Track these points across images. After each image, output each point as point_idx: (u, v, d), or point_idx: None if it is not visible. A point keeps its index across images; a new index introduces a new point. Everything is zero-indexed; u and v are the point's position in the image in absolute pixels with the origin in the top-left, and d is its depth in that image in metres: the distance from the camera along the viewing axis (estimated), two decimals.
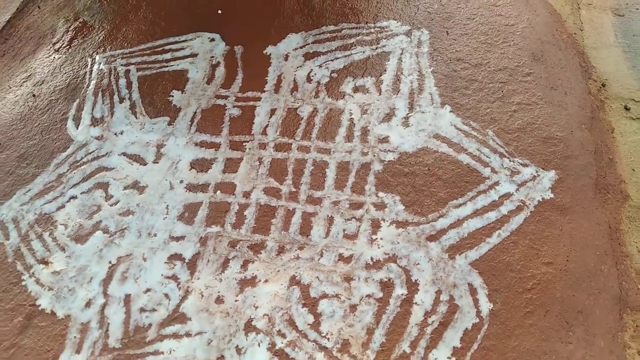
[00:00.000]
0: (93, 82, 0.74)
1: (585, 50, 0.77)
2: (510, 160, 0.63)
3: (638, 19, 0.81)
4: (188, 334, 0.53)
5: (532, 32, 0.77)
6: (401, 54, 0.74)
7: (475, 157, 0.64)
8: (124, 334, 0.53)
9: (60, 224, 0.61)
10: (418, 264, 0.56)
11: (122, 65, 0.76)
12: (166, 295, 0.55)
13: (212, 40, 0.79)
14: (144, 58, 0.76)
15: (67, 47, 0.79)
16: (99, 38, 0.79)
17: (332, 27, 0.79)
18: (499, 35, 0.76)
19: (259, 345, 0.52)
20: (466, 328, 0.52)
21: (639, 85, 0.73)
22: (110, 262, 0.57)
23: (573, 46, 0.77)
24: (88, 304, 0.55)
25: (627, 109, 0.71)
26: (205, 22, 0.81)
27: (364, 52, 0.75)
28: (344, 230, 0.59)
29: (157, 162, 0.65)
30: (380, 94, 0.70)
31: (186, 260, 0.57)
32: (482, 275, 0.55)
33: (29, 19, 0.83)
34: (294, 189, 0.62)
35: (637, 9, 0.82)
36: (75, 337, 0.53)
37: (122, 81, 0.74)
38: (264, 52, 0.78)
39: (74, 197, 0.63)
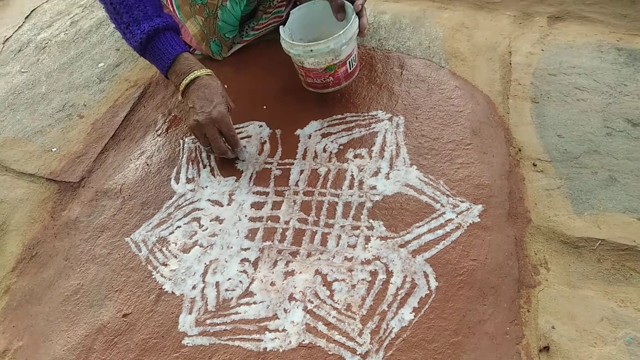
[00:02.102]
0: (185, 155, 1.13)
1: (509, 127, 1.14)
2: (453, 199, 0.99)
3: (547, 105, 1.18)
4: (255, 303, 0.87)
5: (474, 116, 1.15)
6: (385, 132, 1.12)
7: (431, 197, 1.00)
8: (216, 303, 0.89)
9: (172, 242, 0.98)
10: (393, 261, 0.91)
11: None
12: (240, 281, 0.91)
13: (261, 126, 1.18)
14: None
15: (165, 132, 1.19)
16: (186, 127, 1.20)
17: (339, 116, 1.17)
18: (450, 118, 1.14)
19: (297, 307, 0.87)
20: (421, 296, 0.86)
21: (543, 150, 1.09)
22: (205, 264, 0.93)
23: (501, 124, 1.15)
24: (194, 287, 0.91)
25: (534, 165, 1.07)
26: (255, 114, 1.20)
27: (360, 132, 1.13)
28: (347, 242, 0.94)
29: (230, 205, 1.02)
30: (371, 159, 1.07)
31: (251, 262, 0.93)
32: (433, 267, 0.89)
33: (138, 114, 1.24)
34: (316, 219, 0.98)
35: (548, 98, 1.20)
36: (187, 305, 0.88)
37: (204, 154, 1.13)
38: (295, 133, 1.15)
39: (179, 227, 1.00)
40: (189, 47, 1.28)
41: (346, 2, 1.11)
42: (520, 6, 1.42)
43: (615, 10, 1.39)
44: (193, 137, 1.15)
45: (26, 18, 1.51)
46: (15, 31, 1.48)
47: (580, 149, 1.09)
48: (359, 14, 1.10)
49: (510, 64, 1.27)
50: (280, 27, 1.11)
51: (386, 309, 0.85)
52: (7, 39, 1.45)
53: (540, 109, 1.17)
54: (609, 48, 1.31)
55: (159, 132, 1.18)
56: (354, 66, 1.15)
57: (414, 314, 0.84)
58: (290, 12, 1.16)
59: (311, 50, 1.04)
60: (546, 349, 0.83)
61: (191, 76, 1.00)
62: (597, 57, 1.28)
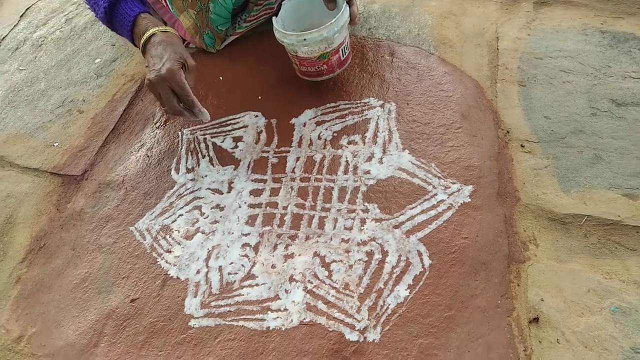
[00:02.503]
0: (184, 146, 1.16)
1: (497, 110, 1.18)
2: (444, 181, 1.03)
3: (534, 88, 1.22)
4: (257, 285, 0.91)
5: (463, 100, 1.18)
6: (377, 119, 1.16)
7: (423, 180, 1.03)
8: (220, 286, 0.92)
9: (175, 230, 1.01)
10: (388, 241, 0.95)
11: (200, 135, 1.18)
12: (242, 265, 0.94)
13: (257, 116, 1.21)
14: (215, 130, 1.19)
15: (164, 125, 1.22)
16: (184, 119, 1.23)
17: (333, 104, 1.20)
18: (441, 103, 1.18)
19: (297, 288, 0.91)
20: (415, 274, 0.90)
21: (530, 131, 1.13)
22: (208, 249, 0.97)
23: (490, 108, 1.18)
24: (198, 272, 0.94)
25: (522, 146, 1.11)
26: (251, 105, 1.23)
27: (353, 119, 1.16)
28: (344, 225, 0.98)
29: (230, 192, 1.06)
30: (364, 145, 1.11)
31: (252, 246, 0.97)
32: (426, 246, 0.93)
33: (136, 108, 1.26)
34: (313, 203, 1.02)
35: (535, 81, 1.24)
36: (192, 289, 0.92)
37: (202, 145, 1.16)
38: (290, 122, 1.18)
39: (181, 215, 1.04)
40: (183, 42, 1.31)
41: None
42: None
43: None
44: (192, 128, 1.18)
45: (21, 17, 1.53)
46: (11, 30, 1.50)
47: (566, 129, 1.13)
48: (350, 2, 1.13)
49: (498, 49, 1.30)
50: (273, 18, 1.14)
51: (382, 286, 0.89)
52: (4, 37, 1.47)
53: (527, 91, 1.21)
54: (594, 31, 1.34)
55: (158, 124, 1.21)
56: (346, 54, 1.18)
57: (409, 290, 0.88)
58: (282, 3, 1.18)
59: (304, 39, 1.07)
60: (535, 320, 0.87)
61: (146, 35, 0.97)
62: (582, 40, 1.32)
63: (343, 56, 1.16)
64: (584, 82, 1.22)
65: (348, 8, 1.11)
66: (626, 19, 1.37)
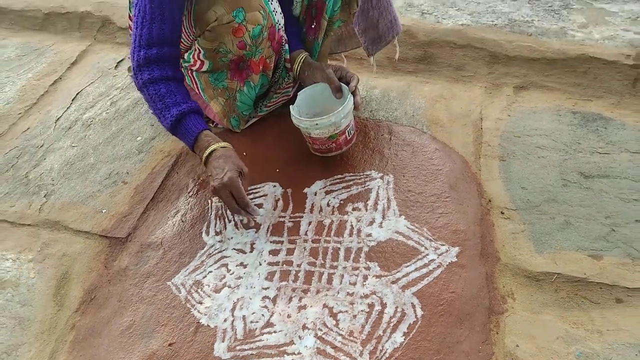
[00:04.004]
0: (213, 212, 1.35)
1: (481, 182, 1.36)
2: (435, 243, 1.20)
3: (513, 162, 1.41)
4: (275, 332, 1.07)
5: (451, 173, 1.37)
6: (378, 188, 1.34)
7: (417, 242, 1.21)
8: (244, 333, 1.09)
9: (206, 285, 1.18)
10: (386, 295, 1.11)
11: None
12: (262, 315, 1.11)
13: (275, 186, 1.40)
14: None
15: (196, 194, 1.42)
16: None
17: (340, 176, 1.39)
18: (432, 175, 1.37)
19: (309, 335, 1.06)
20: (410, 323, 1.05)
21: (509, 200, 1.30)
22: (233, 301, 1.14)
23: (474, 180, 1.37)
24: (225, 320, 1.11)
25: (502, 213, 1.29)
26: (270, 176, 1.42)
27: (357, 189, 1.35)
28: (349, 280, 1.15)
29: (252, 252, 1.24)
30: (366, 211, 1.30)
31: (271, 299, 1.13)
32: (419, 299, 1.09)
33: (172, 179, 1.47)
34: (322, 262, 1.20)
35: (514, 156, 1.44)
36: (220, 335, 1.08)
37: (229, 212, 1.36)
38: (303, 191, 1.37)
39: (210, 271, 1.21)
40: (212, 122, 1.54)
41: (342, 84, 1.37)
42: (490, 78, 1.69)
43: (570, 79, 1.65)
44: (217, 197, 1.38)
45: (73, 100, 1.79)
46: (65, 111, 1.75)
47: (540, 199, 1.32)
48: (354, 93, 1.35)
49: (482, 128, 1.52)
50: (291, 106, 1.37)
51: (382, 334, 1.05)
52: (58, 118, 1.72)
53: (507, 165, 1.41)
54: (566, 112, 1.56)
55: (190, 194, 1.41)
56: (352, 134, 1.40)
57: (404, 337, 1.04)
58: (298, 93, 1.42)
59: (316, 124, 1.29)
60: None
61: (209, 150, 1.18)
62: (556, 120, 1.53)
63: (349, 136, 1.38)
64: (556, 157, 1.42)
65: (352, 98, 1.34)
66: (594, 101, 1.60)
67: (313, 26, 1.45)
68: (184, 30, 1.33)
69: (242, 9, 1.24)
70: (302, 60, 1.43)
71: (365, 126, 1.54)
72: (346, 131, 1.35)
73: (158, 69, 1.23)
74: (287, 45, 1.46)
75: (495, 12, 1.82)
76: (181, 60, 1.41)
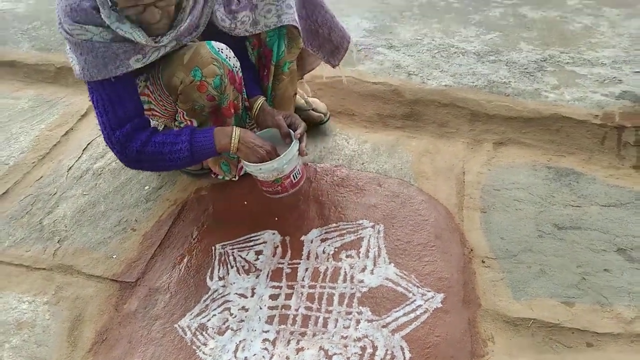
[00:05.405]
0: (216, 258, 1.46)
1: (463, 232, 1.49)
2: (422, 289, 1.31)
3: (493, 214, 1.54)
4: None
5: (436, 223, 1.50)
6: (369, 237, 1.46)
7: (405, 289, 1.32)
8: None
9: (210, 327, 1.28)
10: (377, 338, 1.21)
11: (229, 249, 1.49)
12: (263, 356, 1.19)
13: (274, 233, 1.52)
14: (240, 245, 1.50)
15: (200, 241, 1.53)
16: (216, 236, 1.54)
17: (334, 225, 1.51)
18: (419, 226, 1.50)
19: None
20: None
21: (489, 250, 1.43)
22: (236, 343, 1.23)
23: (457, 230, 1.50)
24: None
25: (483, 262, 1.41)
26: (269, 224, 1.54)
27: (350, 237, 1.47)
28: (343, 324, 1.24)
29: (253, 297, 1.34)
30: (359, 258, 1.41)
31: (270, 341, 1.23)
32: (407, 342, 1.19)
33: (178, 227, 1.58)
34: (318, 306, 1.29)
35: (494, 208, 1.57)
36: None
37: (231, 257, 1.46)
38: (300, 239, 1.49)
39: (214, 315, 1.31)
40: (213, 174, 1.66)
41: (291, 130, 1.46)
42: (471, 135, 1.84)
43: (545, 136, 1.80)
44: (222, 243, 1.49)
45: (84, 150, 1.91)
46: (76, 161, 1.86)
47: (518, 248, 1.44)
48: (300, 139, 1.37)
49: (464, 181, 1.65)
50: None
51: None
52: (70, 167, 1.84)
53: (487, 217, 1.53)
54: (541, 167, 1.70)
55: (195, 240, 1.52)
56: (298, 178, 1.47)
57: None
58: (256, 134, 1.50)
59: (260, 169, 1.39)
60: None
61: (235, 138, 1.35)
62: (532, 175, 1.67)
63: (294, 180, 1.46)
64: (532, 210, 1.55)
65: (298, 144, 1.36)
66: (567, 157, 1.74)
67: (265, 73, 1.57)
68: (163, 100, 1.46)
69: (197, 67, 1.29)
70: (259, 107, 1.48)
71: (358, 178, 1.67)
72: (291, 175, 1.45)
73: (140, 134, 1.30)
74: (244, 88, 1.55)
75: (476, 74, 1.99)
76: (175, 123, 1.55)
